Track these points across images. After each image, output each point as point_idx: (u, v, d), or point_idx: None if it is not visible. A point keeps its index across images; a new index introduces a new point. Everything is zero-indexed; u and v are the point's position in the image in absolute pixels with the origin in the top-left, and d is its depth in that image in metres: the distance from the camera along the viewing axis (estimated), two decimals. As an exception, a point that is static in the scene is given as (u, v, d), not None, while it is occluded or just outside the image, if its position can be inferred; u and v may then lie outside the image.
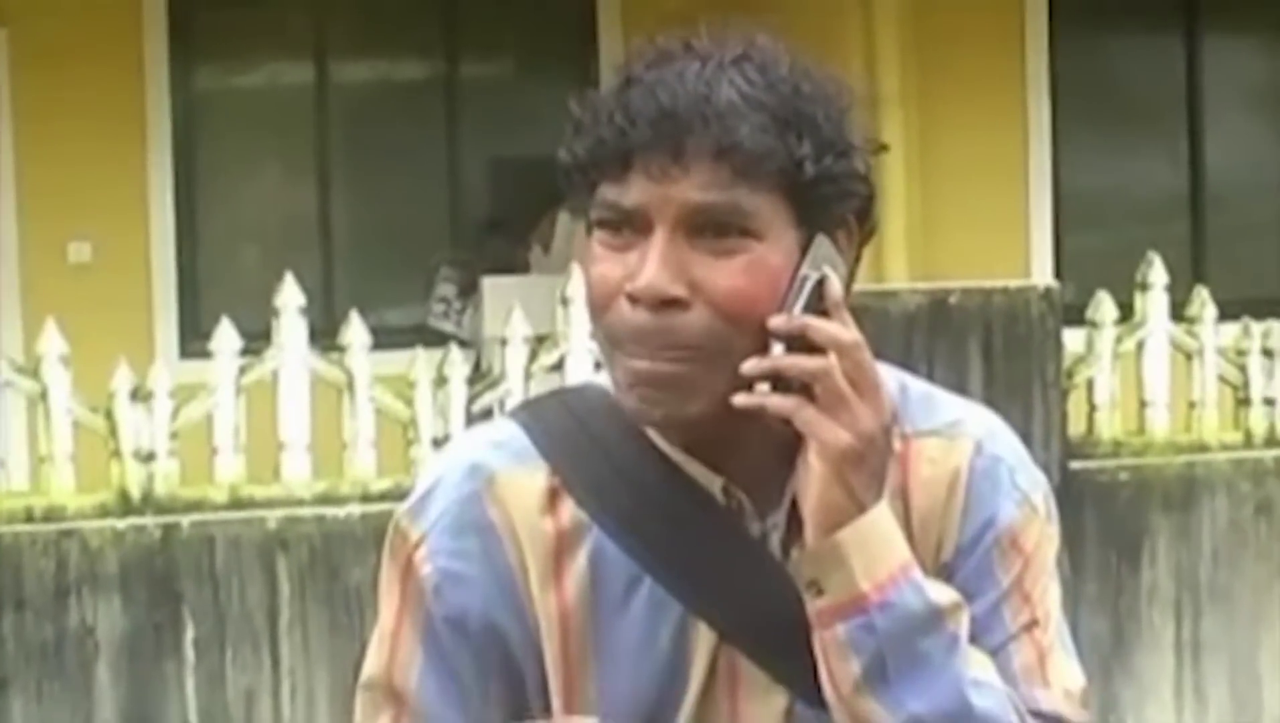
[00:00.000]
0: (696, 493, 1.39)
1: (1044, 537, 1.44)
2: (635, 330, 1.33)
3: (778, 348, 1.33)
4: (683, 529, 1.39)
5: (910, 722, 1.32)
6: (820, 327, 1.33)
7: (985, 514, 1.41)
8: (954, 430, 1.44)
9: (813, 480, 1.32)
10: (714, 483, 1.40)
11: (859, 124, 1.39)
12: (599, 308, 1.37)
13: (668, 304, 1.33)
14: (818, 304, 1.34)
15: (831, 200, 1.36)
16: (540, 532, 1.40)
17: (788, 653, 1.37)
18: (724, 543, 1.39)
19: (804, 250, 1.35)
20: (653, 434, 1.40)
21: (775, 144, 1.33)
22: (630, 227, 1.35)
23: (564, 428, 1.42)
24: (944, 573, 1.40)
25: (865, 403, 1.32)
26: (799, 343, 1.33)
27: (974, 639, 1.37)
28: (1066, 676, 1.42)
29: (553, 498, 1.40)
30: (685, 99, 1.33)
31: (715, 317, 1.33)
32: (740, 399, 1.32)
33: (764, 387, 1.33)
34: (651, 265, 1.32)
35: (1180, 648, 5.33)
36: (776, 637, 1.37)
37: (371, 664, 1.43)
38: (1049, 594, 1.44)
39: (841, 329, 1.33)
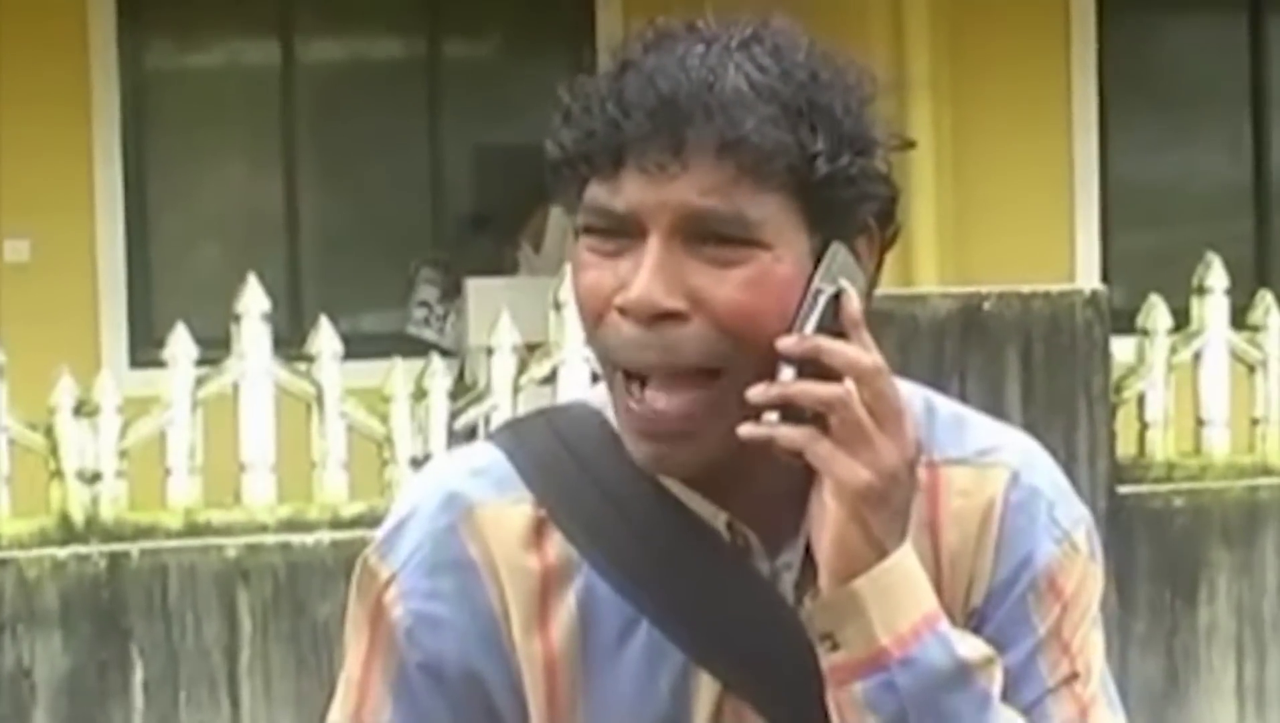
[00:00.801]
0: (699, 528, 1.39)
1: (1086, 578, 1.43)
2: (629, 347, 1.32)
3: (788, 372, 1.31)
4: (683, 568, 1.38)
5: None
6: (836, 349, 1.31)
7: (1020, 553, 1.41)
8: (987, 459, 1.43)
9: (827, 522, 1.31)
10: (718, 518, 1.39)
11: (883, 116, 1.38)
12: (590, 321, 1.36)
13: (663, 318, 1.31)
14: (833, 322, 1.32)
15: (849, 203, 1.34)
16: (524, 570, 1.39)
17: (800, 706, 1.37)
18: (729, 584, 1.38)
19: (817, 259, 1.34)
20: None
21: (786, 138, 1.31)
22: (622, 230, 1.33)
23: (551, 453, 1.42)
24: (974, 619, 1.39)
25: (886, 435, 1.31)
26: (812, 367, 1.31)
27: (1007, 695, 1.36)
28: None
29: (538, 532, 1.40)
30: (686, 87, 1.31)
31: (716, 332, 1.32)
32: (746, 430, 1.30)
33: (772, 416, 1.31)
34: (644, 275, 1.31)
35: (1242, 694, 5.33)
36: (787, 688, 1.37)
37: (336, 715, 1.43)
38: (1091, 643, 1.43)
39: (860, 352, 1.32)
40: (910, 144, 1.42)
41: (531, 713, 1.40)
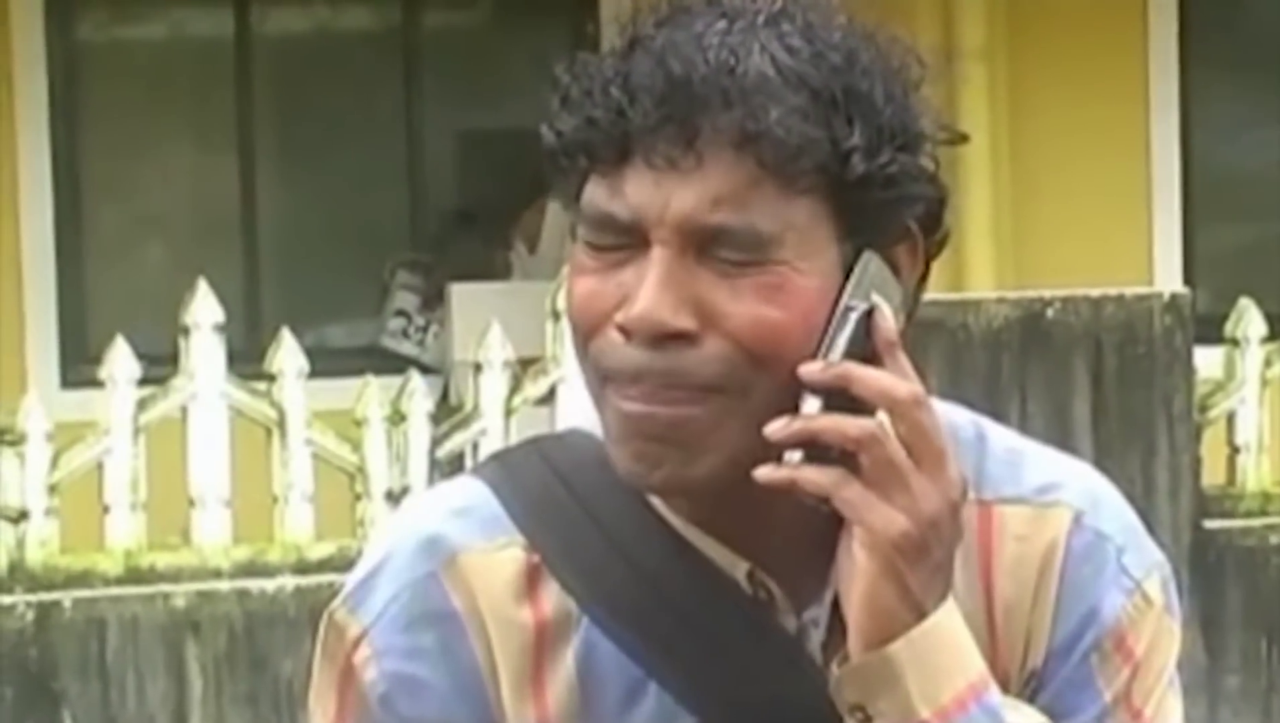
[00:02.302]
0: (715, 578, 1.39)
1: (1160, 635, 1.43)
2: (629, 370, 1.31)
3: (813, 402, 1.30)
4: (697, 624, 1.38)
5: None
6: (867, 378, 1.30)
7: (1085, 607, 1.41)
8: (1047, 497, 1.43)
9: (858, 577, 1.31)
10: (737, 567, 1.39)
11: (931, 104, 1.36)
12: (584, 334, 1.35)
13: (670, 338, 1.30)
14: (865, 343, 1.31)
15: (888, 206, 1.33)
16: (515, 625, 1.40)
17: None
18: (749, 642, 1.38)
19: (849, 270, 1.33)
20: (659, 503, 1.40)
21: (817, 132, 1.30)
22: (625, 235, 1.32)
23: (545, 490, 1.41)
24: (1032, 682, 1.39)
25: (926, 476, 1.30)
26: (840, 396, 1.30)
27: None
28: None
29: (531, 581, 1.40)
30: (702, 69, 1.30)
31: (733, 353, 1.31)
32: (764, 473, 1.29)
33: (795, 455, 1.30)
34: (648, 290, 1.30)
35: (1348, 760, 5.33)
36: None
37: None
38: (1166, 711, 1.43)
39: (895, 380, 1.31)
40: (963, 138, 1.41)
41: None
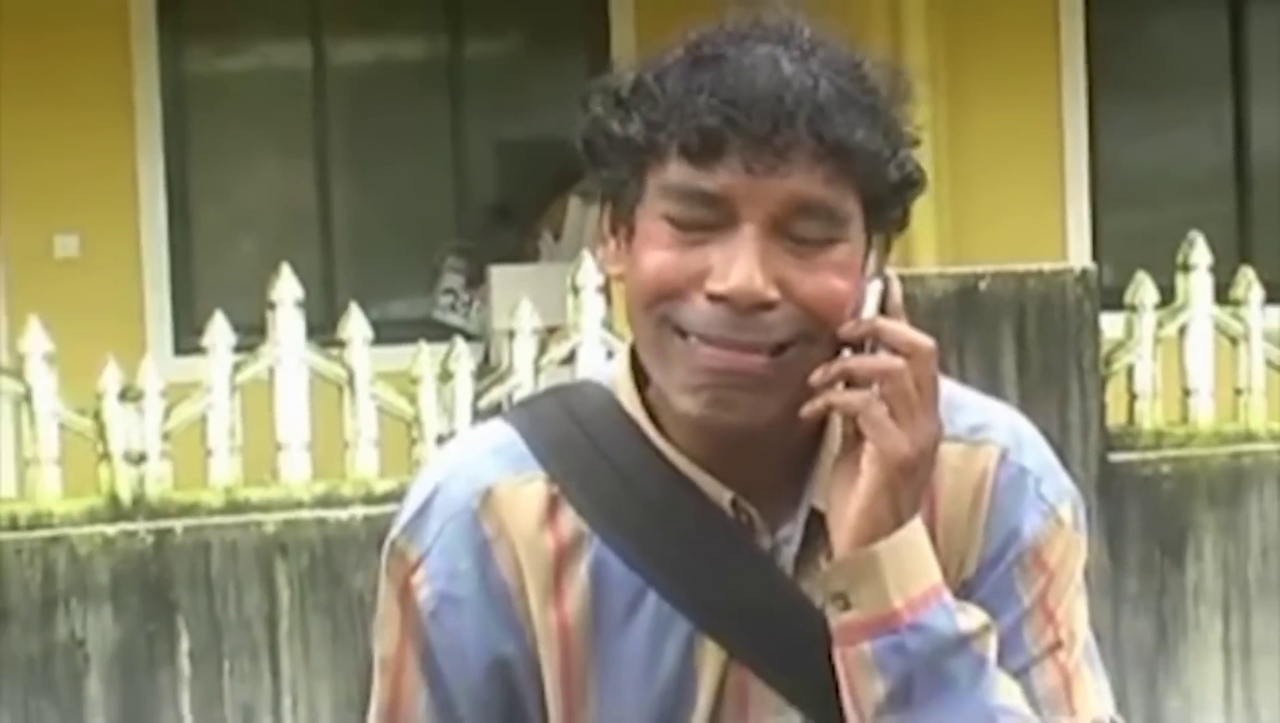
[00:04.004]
0: (705, 505, 1.38)
1: (1070, 549, 1.42)
2: (715, 332, 1.31)
3: (848, 355, 1.33)
4: (690, 543, 1.37)
5: None
6: (896, 329, 1.33)
7: (1008, 528, 1.40)
8: (978, 436, 1.43)
9: (861, 486, 1.31)
10: (723, 496, 1.38)
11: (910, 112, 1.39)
12: (661, 297, 1.33)
13: (758, 306, 1.31)
14: (882, 308, 1.35)
15: (899, 202, 1.37)
16: (539, 546, 1.39)
17: (801, 673, 1.36)
18: (734, 558, 1.37)
19: (867, 251, 1.36)
20: (659, 441, 1.39)
21: (871, 144, 1.32)
22: (710, 209, 1.31)
23: (564, 433, 1.41)
24: (965, 590, 1.39)
25: (926, 413, 1.32)
26: (866, 350, 1.33)
27: (998, 662, 1.36)
28: (1094, 702, 1.41)
29: (552, 508, 1.39)
30: (792, 87, 1.31)
31: (804, 317, 1.32)
32: (808, 408, 1.32)
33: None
34: (745, 265, 1.30)
35: (1229, 650, 5.30)
36: (789, 655, 1.36)
37: (377, 700, 1.44)
38: (1075, 613, 1.42)
39: (918, 334, 1.33)
40: (917, 142, 1.42)
41: (546, 682, 1.39)
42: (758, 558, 1.38)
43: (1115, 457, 5.20)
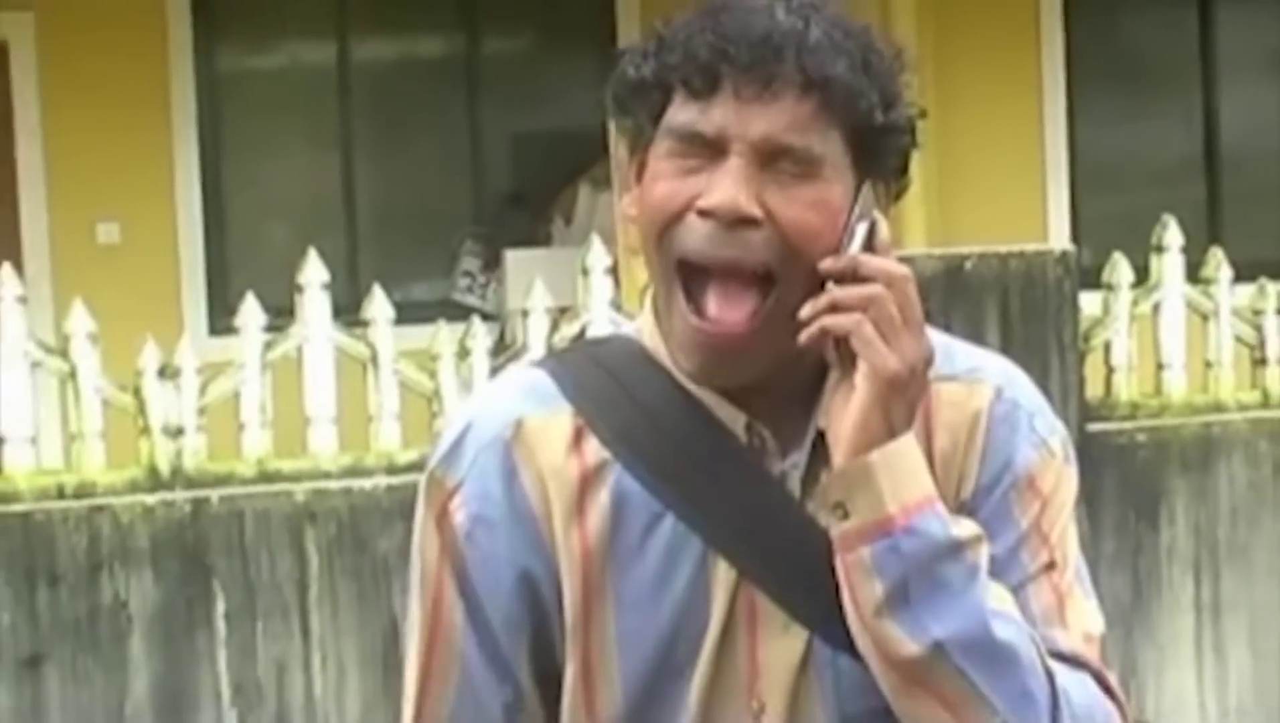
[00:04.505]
0: (720, 432, 1.39)
1: (1062, 479, 1.43)
2: (707, 242, 1.33)
3: (832, 288, 1.34)
4: (704, 467, 1.38)
5: (932, 646, 1.31)
6: (871, 261, 1.34)
7: (1003, 457, 1.40)
8: (974, 376, 1.44)
9: (855, 401, 1.32)
10: (738, 421, 1.39)
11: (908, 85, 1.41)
12: (662, 225, 1.36)
13: (741, 222, 1.33)
14: (870, 248, 1.36)
15: (889, 151, 1.37)
16: (565, 474, 1.40)
17: (807, 592, 1.36)
18: (746, 481, 1.38)
19: (857, 193, 1.36)
20: (677, 372, 1.40)
21: (859, 85, 1.34)
22: (705, 147, 1.34)
23: (589, 372, 1.43)
24: (963, 513, 1.38)
25: (911, 333, 1.33)
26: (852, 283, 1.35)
27: (994, 579, 1.36)
28: (1086, 619, 1.41)
29: (577, 439, 1.40)
30: (782, 28, 1.34)
31: (781, 242, 1.34)
32: (805, 335, 1.33)
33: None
34: (729, 183, 1.33)
35: (1199, 607, 5.30)
36: (796, 575, 1.37)
37: (421, 610, 1.43)
38: (1067, 537, 1.42)
39: (893, 263, 1.34)
40: (923, 112, 1.44)
41: (566, 599, 1.40)
42: (768, 481, 1.38)
43: (1093, 426, 5.19)
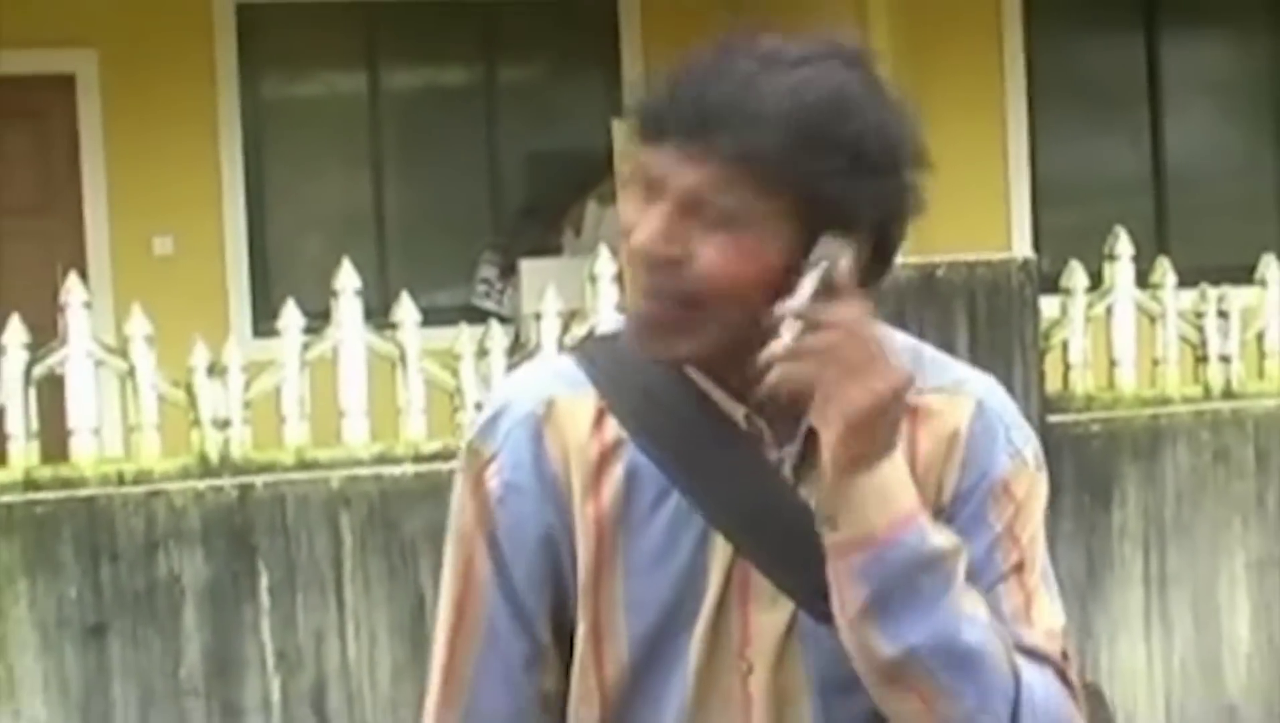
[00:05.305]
0: (722, 419, 1.39)
1: (1033, 487, 1.42)
2: (640, 270, 1.35)
3: (792, 324, 1.31)
4: (708, 451, 1.38)
5: (906, 650, 1.31)
6: (820, 310, 1.30)
7: (981, 467, 1.40)
8: (958, 388, 1.43)
9: (835, 435, 1.31)
10: (738, 411, 1.39)
11: (916, 137, 1.35)
12: (624, 237, 1.38)
13: (664, 261, 1.33)
14: (831, 286, 1.32)
15: (857, 205, 1.32)
16: (586, 449, 1.41)
17: (794, 568, 1.36)
18: (743, 466, 1.38)
19: (809, 245, 1.32)
20: (688, 367, 1.40)
21: (799, 164, 1.29)
22: (650, 185, 1.35)
23: (611, 362, 1.43)
24: (943, 516, 1.38)
25: (875, 368, 1.30)
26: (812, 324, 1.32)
27: (969, 579, 1.35)
28: (1049, 616, 1.41)
29: (599, 419, 1.41)
30: (727, 96, 1.30)
31: (702, 281, 1.33)
32: (773, 376, 1.31)
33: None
34: (649, 227, 1.33)
35: (1148, 580, 5.30)
36: (785, 553, 1.37)
37: (455, 567, 1.43)
38: (1037, 540, 1.42)
39: (843, 308, 1.31)
40: (929, 163, 1.38)
41: (580, 563, 1.40)
42: (765, 468, 1.38)
43: (1052, 418, 5.18)
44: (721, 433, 1.38)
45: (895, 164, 1.34)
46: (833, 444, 1.31)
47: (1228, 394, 5.50)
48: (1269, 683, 5.36)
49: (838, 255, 1.32)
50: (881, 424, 1.31)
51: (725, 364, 1.37)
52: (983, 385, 1.44)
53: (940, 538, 1.33)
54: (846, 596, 1.32)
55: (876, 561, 1.31)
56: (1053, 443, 5.08)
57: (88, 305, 4.79)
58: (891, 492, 1.31)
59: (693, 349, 1.36)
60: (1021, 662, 1.36)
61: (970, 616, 1.33)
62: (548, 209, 8.44)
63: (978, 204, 8.26)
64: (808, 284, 1.31)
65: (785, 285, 1.31)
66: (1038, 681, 1.36)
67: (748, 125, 1.29)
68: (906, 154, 1.34)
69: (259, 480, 4.71)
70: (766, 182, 1.30)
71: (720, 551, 1.38)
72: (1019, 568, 1.39)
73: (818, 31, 1.37)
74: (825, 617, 1.35)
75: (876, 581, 1.31)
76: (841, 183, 1.30)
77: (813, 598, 1.35)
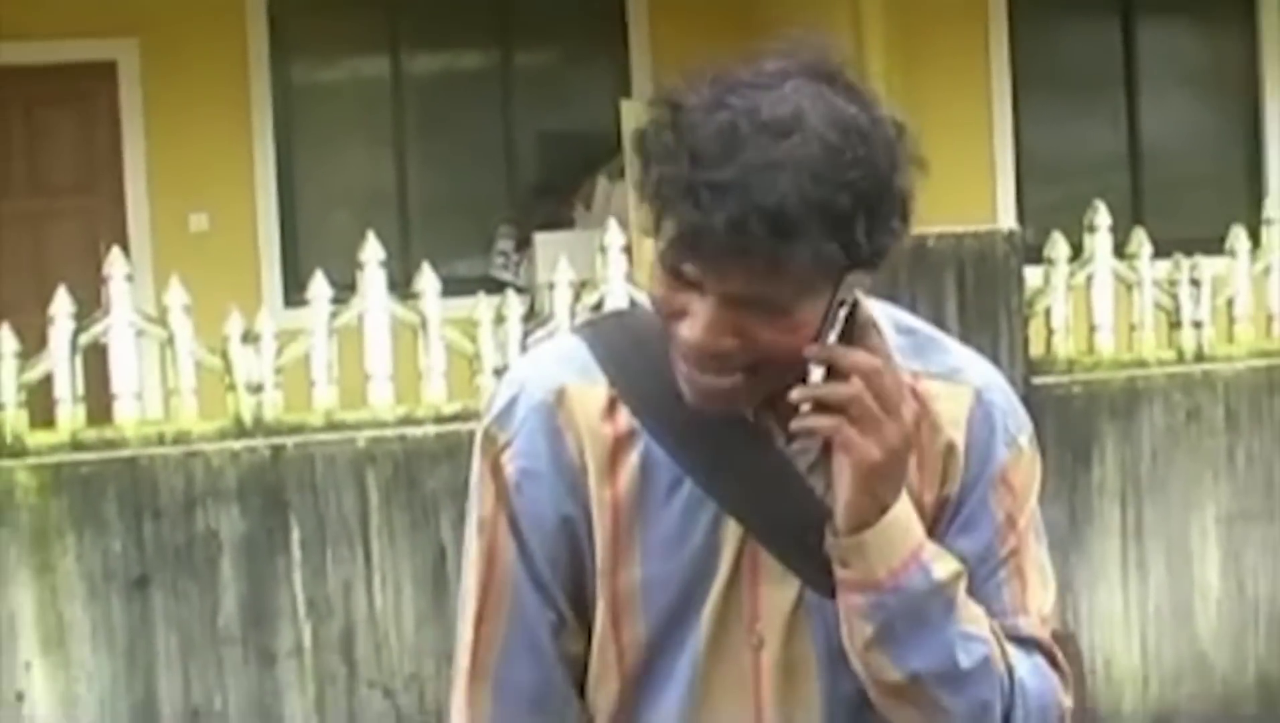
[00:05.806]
0: (734, 413, 1.36)
1: (1030, 472, 1.42)
2: (691, 359, 1.29)
3: (817, 372, 1.28)
4: (720, 441, 1.36)
5: (910, 675, 1.32)
6: (843, 357, 1.27)
7: (983, 458, 1.38)
8: (957, 377, 1.40)
9: (844, 486, 1.30)
10: (747, 409, 1.37)
11: (908, 151, 1.29)
12: (661, 315, 1.32)
13: (715, 353, 1.28)
14: (850, 326, 1.29)
15: (875, 253, 1.28)
16: (600, 436, 1.38)
17: (800, 550, 1.35)
18: (753, 456, 1.36)
19: (837, 287, 1.28)
20: None
21: (835, 253, 1.24)
22: (690, 282, 1.28)
23: (622, 348, 1.40)
24: (947, 503, 1.37)
25: (891, 421, 1.28)
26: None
27: (972, 566, 1.36)
28: (1042, 600, 1.41)
29: (611, 407, 1.38)
30: (757, 210, 1.21)
31: (759, 357, 1.29)
32: (795, 424, 1.29)
33: (807, 407, 1.29)
34: (699, 327, 1.27)
35: (1125, 533, 5.29)
36: (792, 536, 1.35)
37: (479, 549, 1.41)
38: (1032, 524, 1.42)
39: (865, 357, 1.28)
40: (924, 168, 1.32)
41: (597, 546, 1.38)
42: (773, 457, 1.36)
43: (1036, 380, 5.16)
44: (730, 425, 1.36)
45: (905, 200, 1.30)
46: (841, 497, 1.30)
47: (1200, 357, 5.48)
48: (1236, 627, 5.36)
49: (857, 285, 1.30)
50: (891, 475, 1.29)
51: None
52: (979, 373, 1.41)
53: (941, 569, 1.32)
54: (854, 627, 1.33)
55: (879, 605, 1.31)
56: (1036, 404, 5.05)
57: (129, 278, 4.78)
58: (895, 537, 1.30)
59: (753, 403, 1.34)
60: (1016, 654, 1.36)
61: (970, 633, 1.33)
62: (560, 185, 8.41)
63: (966, 180, 8.23)
64: (832, 329, 1.29)
65: (823, 329, 1.29)
66: (1030, 674, 1.37)
67: (785, 236, 1.22)
68: (905, 170, 1.29)
69: (290, 441, 4.70)
70: (806, 279, 1.25)
71: (731, 533, 1.37)
72: (1015, 554, 1.38)
73: (785, 41, 1.30)
74: (830, 592, 1.34)
75: (881, 617, 1.31)
76: (864, 237, 1.26)
77: (818, 576, 1.34)
